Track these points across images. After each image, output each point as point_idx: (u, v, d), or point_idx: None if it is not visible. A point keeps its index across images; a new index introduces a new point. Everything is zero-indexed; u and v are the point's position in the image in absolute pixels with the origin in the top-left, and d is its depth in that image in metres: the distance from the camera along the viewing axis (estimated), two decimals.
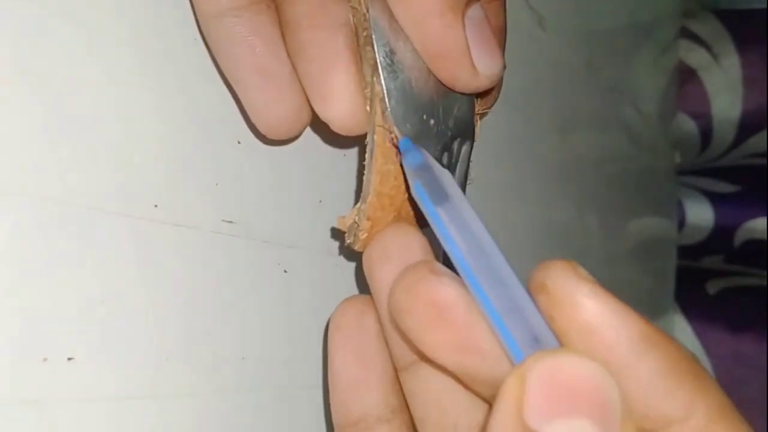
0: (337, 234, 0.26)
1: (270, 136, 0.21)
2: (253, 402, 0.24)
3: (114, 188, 0.19)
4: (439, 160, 0.22)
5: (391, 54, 0.20)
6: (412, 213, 0.22)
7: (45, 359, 0.18)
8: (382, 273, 0.21)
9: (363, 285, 0.28)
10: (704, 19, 0.77)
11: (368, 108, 0.21)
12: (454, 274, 0.18)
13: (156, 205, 0.20)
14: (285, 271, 0.25)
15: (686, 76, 0.77)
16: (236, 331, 0.23)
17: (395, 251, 0.21)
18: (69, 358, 0.18)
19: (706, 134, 0.77)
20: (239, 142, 0.23)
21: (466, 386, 0.19)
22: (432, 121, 0.21)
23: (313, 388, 0.26)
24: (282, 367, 0.25)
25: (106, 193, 0.19)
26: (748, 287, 0.74)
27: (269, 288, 0.24)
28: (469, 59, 0.20)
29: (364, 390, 0.21)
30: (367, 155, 0.21)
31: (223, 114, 0.23)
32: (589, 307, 0.16)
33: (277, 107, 0.21)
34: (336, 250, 0.27)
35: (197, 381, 0.22)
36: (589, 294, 0.16)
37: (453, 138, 0.22)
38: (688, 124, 0.77)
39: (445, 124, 0.22)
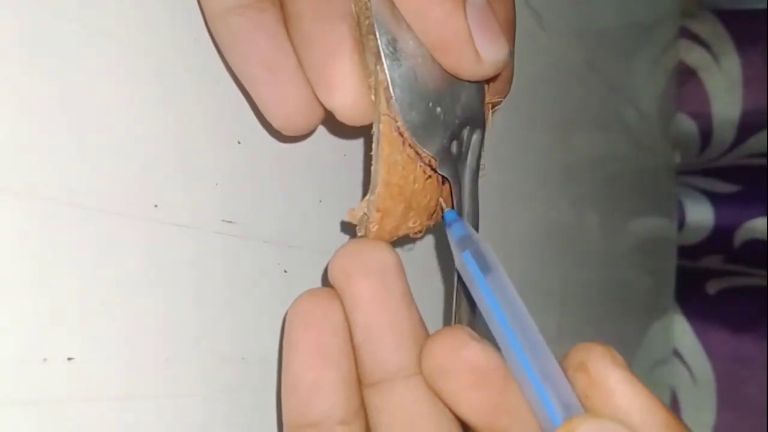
0: (347, 228, 0.26)
1: (285, 131, 0.21)
2: (253, 402, 0.24)
3: (114, 188, 0.19)
4: (448, 149, 0.22)
5: (393, 42, 0.20)
6: (423, 203, 0.22)
7: (45, 359, 0.18)
8: (360, 286, 0.21)
9: None
10: (704, 19, 0.77)
11: (373, 97, 0.20)
12: (488, 341, 0.20)
13: (156, 205, 0.20)
14: (285, 271, 0.25)
15: (686, 76, 0.77)
16: (236, 331, 0.23)
17: (375, 266, 0.21)
18: (69, 358, 0.18)
19: (706, 134, 0.77)
20: (239, 142, 0.23)
21: None
22: (439, 109, 0.21)
23: None
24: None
25: (106, 193, 0.19)
26: (748, 287, 0.74)
27: (269, 288, 0.24)
28: (471, 47, 0.19)
29: (327, 392, 0.20)
30: (374, 145, 0.21)
31: (223, 114, 0.23)
32: (624, 392, 0.19)
33: (287, 101, 0.20)
34: (336, 250, 0.27)
35: (197, 381, 0.22)
36: (624, 381, 0.19)
37: (462, 126, 0.22)
38: (687, 124, 0.77)
39: (453, 112, 0.21)
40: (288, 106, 0.20)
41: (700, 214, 0.77)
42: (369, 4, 0.20)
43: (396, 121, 0.20)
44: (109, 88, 0.19)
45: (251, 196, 0.24)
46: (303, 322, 0.21)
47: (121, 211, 0.19)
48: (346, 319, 0.21)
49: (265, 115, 0.21)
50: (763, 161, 0.74)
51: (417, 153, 0.21)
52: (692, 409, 0.73)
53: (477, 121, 0.22)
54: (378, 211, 0.21)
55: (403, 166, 0.21)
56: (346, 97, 0.20)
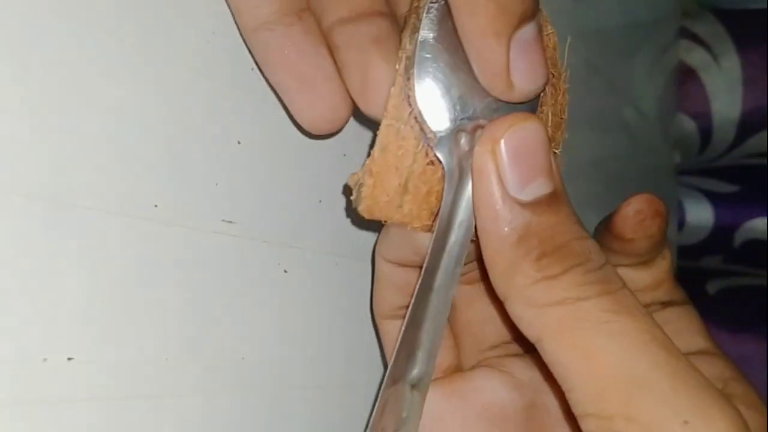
0: (348, 191, 0.25)
1: (314, 132, 0.23)
2: (252, 402, 0.24)
3: (114, 188, 0.19)
4: (454, 135, 0.21)
5: (437, 31, 0.21)
6: (422, 191, 0.22)
7: (45, 359, 0.18)
8: None
9: (364, 286, 0.28)
10: (704, 19, 0.77)
11: (396, 66, 0.21)
12: None
13: (156, 205, 0.20)
14: (285, 271, 0.25)
15: (686, 76, 0.77)
16: (236, 331, 0.23)
17: None
18: (69, 358, 0.18)
19: (706, 134, 0.77)
20: (239, 142, 0.23)
21: None
22: (457, 95, 0.21)
23: (312, 388, 0.26)
24: (281, 367, 0.25)
25: (106, 193, 0.19)
26: (748, 287, 0.74)
27: (269, 288, 0.24)
28: (505, 76, 0.20)
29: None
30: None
31: (223, 114, 0.23)
32: None
33: (315, 108, 0.22)
34: (336, 250, 0.27)
35: (197, 381, 0.22)
36: None
37: (480, 127, 0.21)
38: (687, 124, 0.77)
39: (473, 107, 0.21)
40: (315, 112, 0.22)
41: (700, 214, 0.77)
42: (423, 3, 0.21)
43: (408, 89, 0.21)
44: (109, 88, 0.19)
45: (251, 196, 0.24)
46: None
47: (120, 211, 0.20)
48: None
49: (296, 118, 0.23)
50: (762, 161, 0.74)
51: (422, 130, 0.21)
52: None
53: None
54: (371, 176, 0.21)
55: (404, 136, 0.21)
56: (381, 102, 0.21)
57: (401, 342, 0.21)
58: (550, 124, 0.23)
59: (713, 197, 0.77)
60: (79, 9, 0.19)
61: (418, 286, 0.22)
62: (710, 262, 0.78)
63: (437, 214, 0.22)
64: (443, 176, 0.21)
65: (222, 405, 0.23)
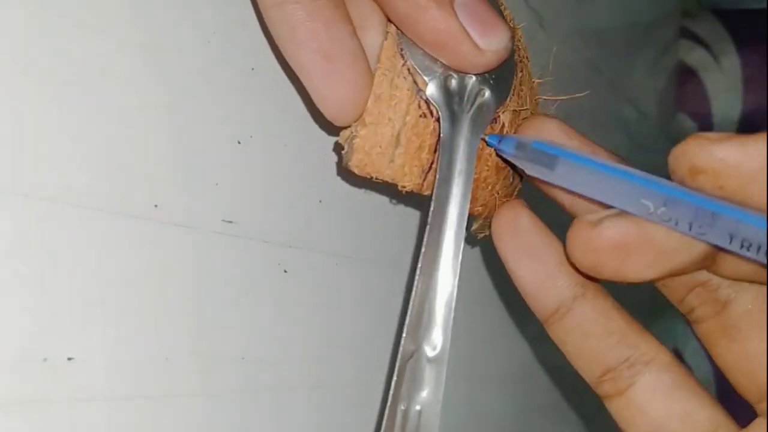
0: (338, 148, 0.24)
1: (336, 121, 0.22)
2: (252, 402, 0.24)
3: (114, 188, 0.19)
4: (444, 82, 0.21)
5: None
6: (414, 144, 0.21)
7: (45, 359, 0.18)
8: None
9: (364, 286, 0.28)
10: (704, 19, 0.77)
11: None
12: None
13: (156, 205, 0.20)
14: (285, 271, 0.25)
15: (686, 76, 0.77)
16: (236, 331, 0.23)
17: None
18: (69, 358, 0.18)
19: None
20: (239, 142, 0.23)
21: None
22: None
23: (312, 387, 0.26)
24: (281, 367, 0.25)
25: (106, 193, 0.19)
26: None
27: (269, 288, 0.24)
28: (469, 42, 0.20)
29: (549, 281, 0.23)
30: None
31: (223, 114, 0.23)
32: (744, 152, 0.18)
33: (342, 89, 0.21)
34: (336, 250, 0.27)
35: (197, 381, 0.22)
36: (734, 145, 0.18)
37: (467, 76, 0.22)
38: (688, 124, 0.77)
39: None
40: (342, 94, 0.21)
41: None
42: None
43: (401, 42, 0.21)
44: (110, 88, 0.19)
45: (251, 196, 0.24)
46: (499, 233, 0.24)
47: (121, 211, 0.20)
48: None
49: (318, 104, 0.21)
50: None
51: (415, 83, 0.21)
52: None
53: (491, 84, 0.22)
54: (364, 126, 0.21)
55: (397, 86, 0.21)
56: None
57: (415, 312, 0.21)
58: (528, 106, 0.24)
59: None
60: (79, 9, 0.19)
61: (424, 250, 0.21)
62: None
63: (428, 172, 0.22)
64: (435, 129, 0.22)
65: (222, 405, 0.23)
